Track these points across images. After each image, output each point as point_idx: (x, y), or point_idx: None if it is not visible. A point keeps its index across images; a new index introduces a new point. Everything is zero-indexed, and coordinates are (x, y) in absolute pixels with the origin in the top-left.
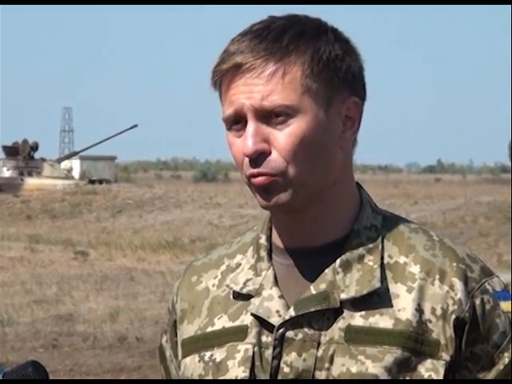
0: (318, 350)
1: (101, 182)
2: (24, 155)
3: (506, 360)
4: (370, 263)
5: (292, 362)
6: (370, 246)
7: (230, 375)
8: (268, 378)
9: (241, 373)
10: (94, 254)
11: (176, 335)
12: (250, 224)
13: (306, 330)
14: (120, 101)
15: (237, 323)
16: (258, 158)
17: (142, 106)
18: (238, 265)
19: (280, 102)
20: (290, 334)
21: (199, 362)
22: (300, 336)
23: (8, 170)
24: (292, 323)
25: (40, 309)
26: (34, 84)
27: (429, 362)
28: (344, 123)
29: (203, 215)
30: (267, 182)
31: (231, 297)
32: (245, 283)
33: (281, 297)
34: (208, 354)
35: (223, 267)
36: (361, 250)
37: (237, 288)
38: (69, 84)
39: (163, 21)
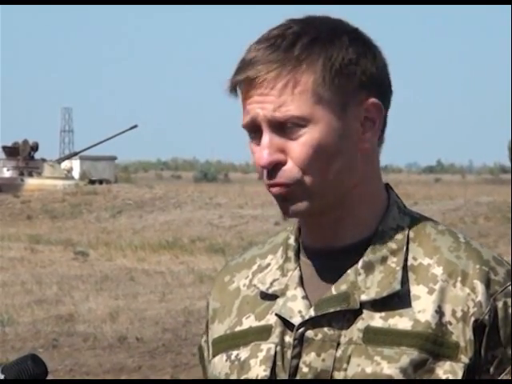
0: (337, 350)
1: (101, 182)
2: (24, 155)
3: None
4: (393, 265)
5: (311, 362)
6: (395, 247)
7: (252, 374)
8: (287, 377)
9: (262, 372)
10: (94, 255)
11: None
12: (250, 224)
13: (325, 330)
14: (120, 101)
15: (262, 323)
16: (273, 168)
17: (142, 106)
18: (268, 265)
19: (291, 113)
20: (309, 333)
21: (226, 361)
22: (320, 336)
23: (8, 170)
24: (312, 323)
25: (40, 309)
26: (34, 84)
27: (448, 365)
28: (363, 125)
29: (203, 215)
30: (284, 192)
31: (259, 297)
32: (271, 283)
33: (304, 297)
34: (235, 353)
35: (254, 267)
36: (384, 252)
37: (263, 288)
38: (69, 84)
39: (163, 21)
